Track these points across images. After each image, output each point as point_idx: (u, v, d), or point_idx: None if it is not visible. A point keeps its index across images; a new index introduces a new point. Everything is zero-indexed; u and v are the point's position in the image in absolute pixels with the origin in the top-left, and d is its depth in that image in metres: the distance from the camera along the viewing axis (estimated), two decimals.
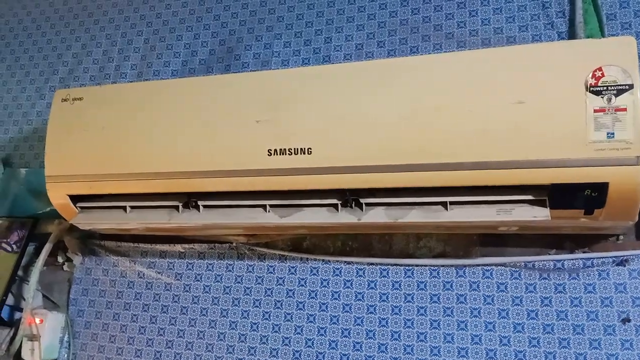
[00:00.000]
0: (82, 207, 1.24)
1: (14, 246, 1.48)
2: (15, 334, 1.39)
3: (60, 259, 1.50)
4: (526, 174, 0.92)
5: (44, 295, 1.48)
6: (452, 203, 0.99)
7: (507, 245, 1.15)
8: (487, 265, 1.15)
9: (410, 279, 1.19)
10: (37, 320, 1.38)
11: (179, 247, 1.39)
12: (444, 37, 1.30)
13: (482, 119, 0.94)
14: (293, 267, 1.29)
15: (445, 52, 1.27)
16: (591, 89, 0.90)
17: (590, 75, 0.90)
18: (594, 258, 1.09)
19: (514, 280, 1.13)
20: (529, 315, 1.10)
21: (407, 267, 1.20)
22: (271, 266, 1.31)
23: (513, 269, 1.14)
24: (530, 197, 0.95)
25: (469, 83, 0.97)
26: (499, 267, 1.14)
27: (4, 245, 1.48)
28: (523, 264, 1.13)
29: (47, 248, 1.45)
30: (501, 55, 0.98)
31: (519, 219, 0.96)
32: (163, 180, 1.12)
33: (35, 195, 1.57)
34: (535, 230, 1.11)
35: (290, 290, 1.28)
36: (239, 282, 1.33)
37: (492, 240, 1.16)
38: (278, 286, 1.29)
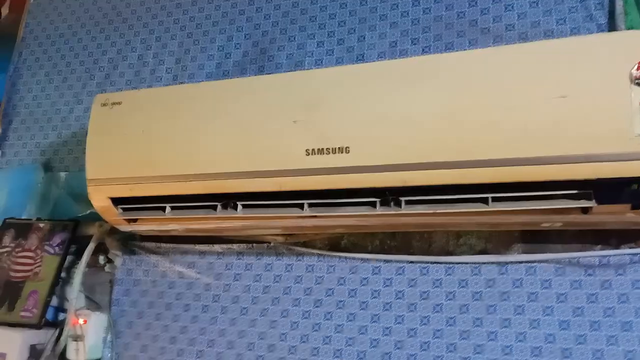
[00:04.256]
0: (123, 209, 1.26)
1: (57, 248, 1.51)
2: (60, 335, 1.43)
3: (101, 261, 1.53)
4: (570, 169, 0.90)
5: (86, 296, 1.52)
6: (494, 200, 0.98)
7: (549, 242, 1.14)
8: (530, 261, 1.14)
9: (451, 276, 1.19)
10: (81, 321, 1.41)
11: (217, 248, 1.42)
12: (480, 32, 1.29)
13: (523, 115, 0.93)
14: (332, 266, 1.30)
15: (481, 47, 1.26)
16: (636, 81, 0.88)
17: (635, 68, 0.88)
18: None
19: (558, 277, 1.12)
20: (574, 312, 1.09)
21: (447, 265, 1.20)
22: (310, 265, 1.32)
23: (557, 265, 1.12)
24: (575, 192, 0.94)
25: (508, 78, 0.96)
26: (542, 263, 1.13)
27: (47, 247, 1.52)
28: (567, 260, 1.12)
29: (89, 250, 1.48)
30: (541, 49, 0.96)
31: (565, 206, 0.95)
32: (202, 182, 1.14)
33: (75, 198, 1.61)
34: (580, 226, 1.09)
35: (330, 289, 1.29)
36: (277, 282, 1.34)
37: (534, 237, 1.15)
38: (317, 285, 1.30)
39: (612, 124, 0.88)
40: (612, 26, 1.18)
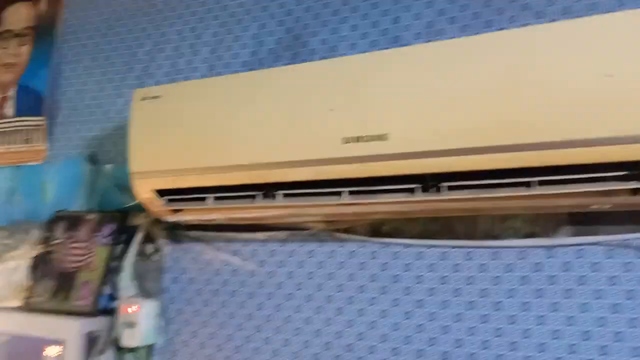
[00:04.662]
0: (166, 201, 1.29)
1: (107, 239, 1.57)
2: (114, 322, 1.48)
3: (149, 250, 1.58)
4: (620, 150, 0.87)
5: (138, 285, 1.56)
6: (540, 183, 0.96)
7: (598, 224, 1.11)
8: (579, 244, 1.11)
9: (497, 261, 1.18)
10: (134, 308, 1.46)
11: (260, 235, 1.43)
12: (520, 8, 1.24)
13: (569, 95, 0.90)
14: (374, 252, 1.30)
15: (522, 24, 1.21)
16: None
17: None
18: None
19: (608, 260, 1.09)
20: (626, 295, 1.07)
21: (493, 249, 1.18)
22: (352, 251, 1.33)
23: (607, 247, 1.10)
24: (625, 173, 0.91)
25: (552, 58, 0.93)
26: (591, 246, 1.11)
27: (97, 238, 1.58)
28: (618, 242, 1.09)
29: (137, 239, 1.54)
30: (586, 25, 0.93)
31: (615, 187, 0.93)
32: (242, 172, 1.15)
33: (122, 189, 1.64)
34: (630, 207, 1.05)
35: (373, 274, 1.29)
36: (321, 268, 1.35)
37: (582, 219, 1.12)
38: (360, 271, 1.31)
39: None
40: None
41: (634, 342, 1.04)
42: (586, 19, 0.94)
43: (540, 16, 1.21)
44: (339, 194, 1.11)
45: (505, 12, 1.25)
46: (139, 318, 1.45)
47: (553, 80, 0.92)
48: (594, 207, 1.04)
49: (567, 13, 1.19)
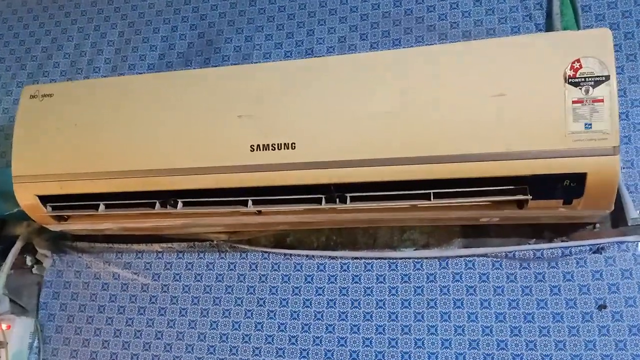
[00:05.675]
0: (52, 207, 1.31)
1: None
2: None
3: (29, 262, 1.59)
4: (507, 166, 1.03)
5: (11, 300, 1.56)
6: (435, 196, 1.10)
7: (488, 236, 1.29)
8: (469, 256, 1.28)
9: (395, 272, 1.32)
10: (4, 327, 1.46)
11: (156, 247, 1.50)
12: (426, 29, 1.44)
13: (463, 112, 1.06)
14: (276, 264, 1.40)
15: (427, 44, 1.41)
16: (569, 80, 1.02)
17: (569, 67, 1.02)
18: (572, 247, 1.23)
19: (495, 271, 1.26)
20: (510, 304, 1.24)
21: (391, 261, 1.32)
22: (254, 263, 1.42)
23: (494, 259, 1.27)
24: (511, 187, 1.07)
25: (450, 76, 1.08)
26: (480, 257, 1.28)
27: None
28: (504, 254, 1.26)
29: (14, 250, 1.54)
30: (483, 48, 1.09)
31: (503, 199, 1.08)
32: (140, 179, 1.20)
33: (1, 195, 1.65)
34: (516, 221, 1.23)
35: (274, 287, 1.39)
36: (220, 281, 1.43)
37: (474, 232, 1.30)
38: (261, 284, 1.40)
39: (548, 122, 1.02)
40: (549, 26, 1.34)
41: (516, 350, 1.21)
42: (481, 41, 1.13)
43: (443, 38, 1.41)
44: (243, 203, 1.18)
45: (412, 32, 1.45)
46: (10, 337, 1.45)
47: (451, 97, 1.07)
48: (484, 220, 1.21)
49: (467, 36, 1.39)
